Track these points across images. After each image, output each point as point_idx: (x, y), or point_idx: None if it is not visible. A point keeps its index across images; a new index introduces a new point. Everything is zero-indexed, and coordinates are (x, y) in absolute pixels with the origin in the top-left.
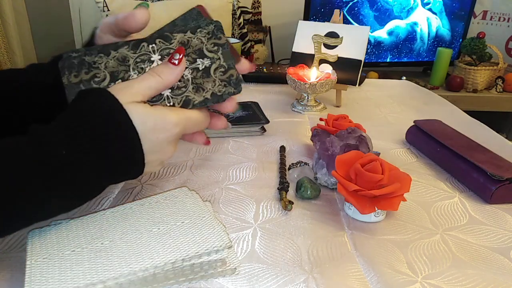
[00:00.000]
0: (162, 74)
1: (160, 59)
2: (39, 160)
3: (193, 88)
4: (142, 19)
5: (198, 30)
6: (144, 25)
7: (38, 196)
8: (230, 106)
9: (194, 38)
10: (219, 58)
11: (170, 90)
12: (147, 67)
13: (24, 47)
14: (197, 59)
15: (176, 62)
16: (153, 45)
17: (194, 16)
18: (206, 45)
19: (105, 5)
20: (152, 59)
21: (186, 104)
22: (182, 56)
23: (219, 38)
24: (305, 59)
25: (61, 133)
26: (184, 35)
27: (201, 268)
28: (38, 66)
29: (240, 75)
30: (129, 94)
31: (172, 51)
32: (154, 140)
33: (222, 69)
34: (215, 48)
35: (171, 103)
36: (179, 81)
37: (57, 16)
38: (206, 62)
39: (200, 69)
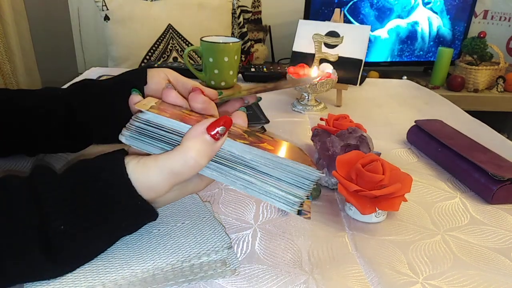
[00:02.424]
0: (195, 153)
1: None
2: (39, 229)
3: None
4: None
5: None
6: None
7: (33, 259)
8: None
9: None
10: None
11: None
12: None
13: (23, 47)
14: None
15: (220, 136)
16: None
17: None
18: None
19: (104, 4)
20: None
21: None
22: (227, 130)
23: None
24: (306, 59)
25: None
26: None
27: (200, 269)
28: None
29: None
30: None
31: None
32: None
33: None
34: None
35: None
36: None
37: (56, 15)
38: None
39: None
